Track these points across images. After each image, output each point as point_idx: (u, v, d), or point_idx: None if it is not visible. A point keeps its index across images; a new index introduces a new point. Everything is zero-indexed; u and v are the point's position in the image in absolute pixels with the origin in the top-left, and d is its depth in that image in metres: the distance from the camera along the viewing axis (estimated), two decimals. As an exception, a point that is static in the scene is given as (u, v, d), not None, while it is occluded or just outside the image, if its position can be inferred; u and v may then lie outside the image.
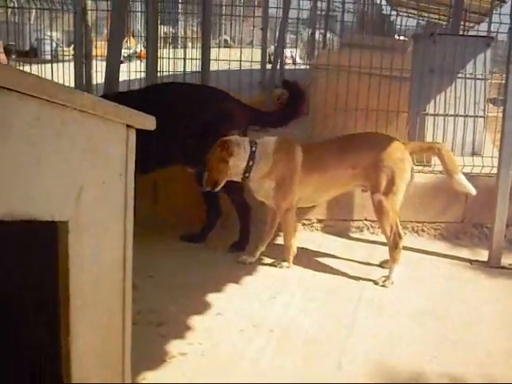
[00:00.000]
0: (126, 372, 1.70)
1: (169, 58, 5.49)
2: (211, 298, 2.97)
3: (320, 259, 3.58)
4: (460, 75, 4.47)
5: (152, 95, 3.62)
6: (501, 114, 3.71)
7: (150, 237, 3.55)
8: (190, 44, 6.75)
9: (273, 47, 7.94)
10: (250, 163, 3.29)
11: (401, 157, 3.31)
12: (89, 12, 4.64)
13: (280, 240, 3.56)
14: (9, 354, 1.62)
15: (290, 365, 2.42)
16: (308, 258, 3.56)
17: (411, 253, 3.71)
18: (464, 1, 7.39)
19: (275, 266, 3.43)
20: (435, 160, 3.75)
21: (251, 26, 7.20)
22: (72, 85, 4.75)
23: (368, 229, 4.05)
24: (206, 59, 5.17)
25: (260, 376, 2.32)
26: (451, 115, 4.44)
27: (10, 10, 5.72)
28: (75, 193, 1.49)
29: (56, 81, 4.40)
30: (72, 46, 5.80)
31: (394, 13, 14.52)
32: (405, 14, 13.67)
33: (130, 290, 1.75)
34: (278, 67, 7.44)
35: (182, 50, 5.98)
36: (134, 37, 7.85)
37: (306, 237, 3.92)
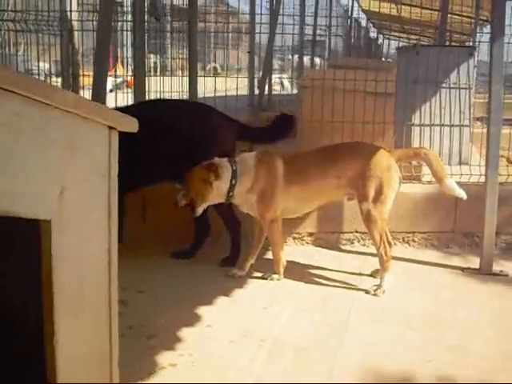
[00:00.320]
0: (113, 373, 1.68)
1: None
2: (202, 310, 2.95)
3: (311, 271, 3.56)
4: (444, 85, 4.52)
5: (139, 111, 3.62)
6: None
7: (140, 253, 3.57)
8: (179, 72, 6.83)
9: (261, 73, 8.06)
10: (233, 182, 3.29)
11: (387, 165, 3.30)
12: (75, 33, 4.70)
13: (270, 255, 3.54)
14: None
15: (281, 373, 2.39)
16: (299, 271, 3.54)
17: (402, 262, 3.71)
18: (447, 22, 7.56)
19: (266, 279, 3.41)
20: (425, 170, 3.77)
21: (239, 52, 7.31)
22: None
23: (359, 241, 4.04)
24: (193, 87, 5.40)
25: (250, 385, 2.30)
26: (437, 125, 4.48)
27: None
28: (57, 191, 1.49)
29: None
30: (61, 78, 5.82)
31: (380, 36, 14.77)
32: (392, 36, 13.90)
33: (116, 293, 1.74)
34: (266, 92, 7.55)
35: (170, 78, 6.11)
36: (122, 65, 7.91)
37: (297, 250, 3.91)
